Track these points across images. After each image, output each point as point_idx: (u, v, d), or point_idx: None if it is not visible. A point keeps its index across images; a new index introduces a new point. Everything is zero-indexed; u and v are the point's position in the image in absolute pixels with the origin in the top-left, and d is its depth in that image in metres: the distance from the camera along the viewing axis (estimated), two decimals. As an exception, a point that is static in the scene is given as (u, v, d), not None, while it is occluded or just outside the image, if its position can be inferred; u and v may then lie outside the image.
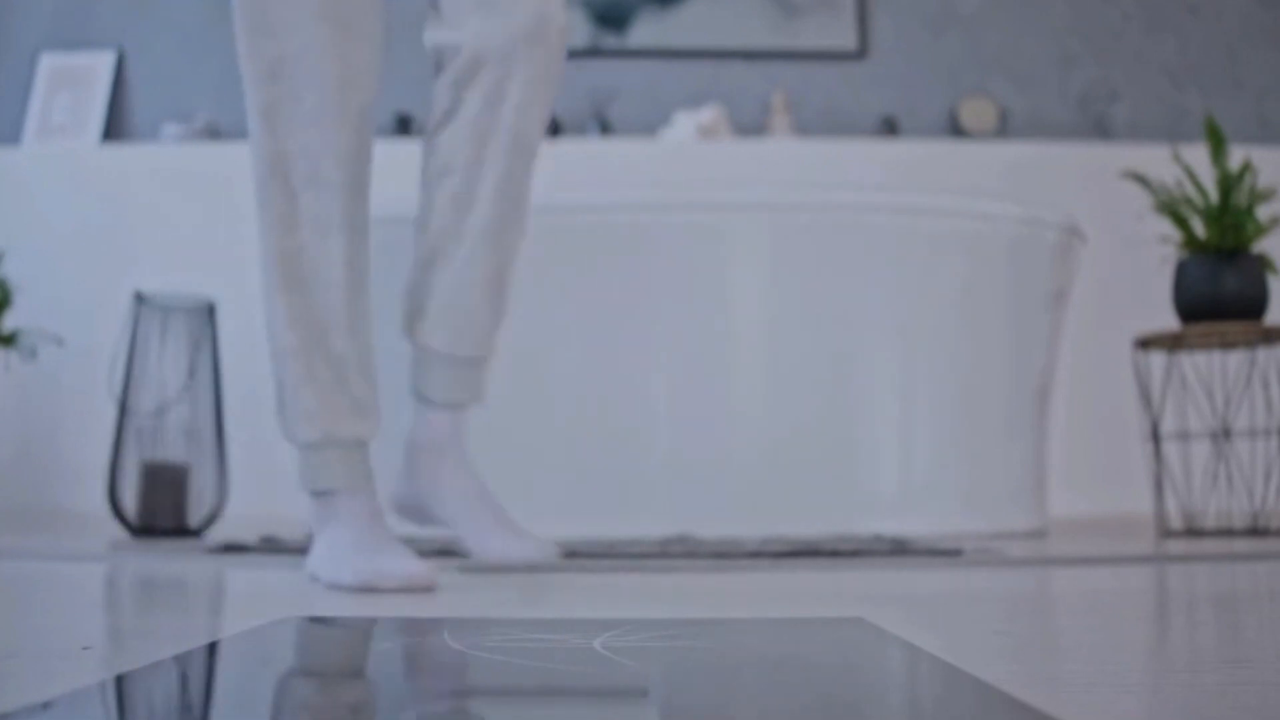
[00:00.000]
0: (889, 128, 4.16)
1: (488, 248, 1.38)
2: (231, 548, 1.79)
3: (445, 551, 1.74)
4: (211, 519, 2.38)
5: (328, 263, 1.30)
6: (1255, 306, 2.31)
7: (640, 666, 0.61)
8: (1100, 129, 4.25)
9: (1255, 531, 2.23)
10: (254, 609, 1.03)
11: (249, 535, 2.29)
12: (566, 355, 2.27)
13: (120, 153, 3.94)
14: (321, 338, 1.31)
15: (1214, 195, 2.35)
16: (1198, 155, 3.01)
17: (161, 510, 2.31)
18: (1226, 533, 2.25)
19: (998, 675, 0.63)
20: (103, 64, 4.19)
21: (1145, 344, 2.44)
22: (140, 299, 2.39)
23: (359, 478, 1.34)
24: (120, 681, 0.55)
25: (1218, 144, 2.37)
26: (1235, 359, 3.27)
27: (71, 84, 4.16)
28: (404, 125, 4.10)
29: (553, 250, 2.26)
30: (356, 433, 1.33)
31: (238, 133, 4.22)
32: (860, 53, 4.27)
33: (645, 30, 4.24)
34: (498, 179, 1.37)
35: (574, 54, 4.13)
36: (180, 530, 2.31)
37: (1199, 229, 2.40)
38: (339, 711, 0.47)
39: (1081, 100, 4.29)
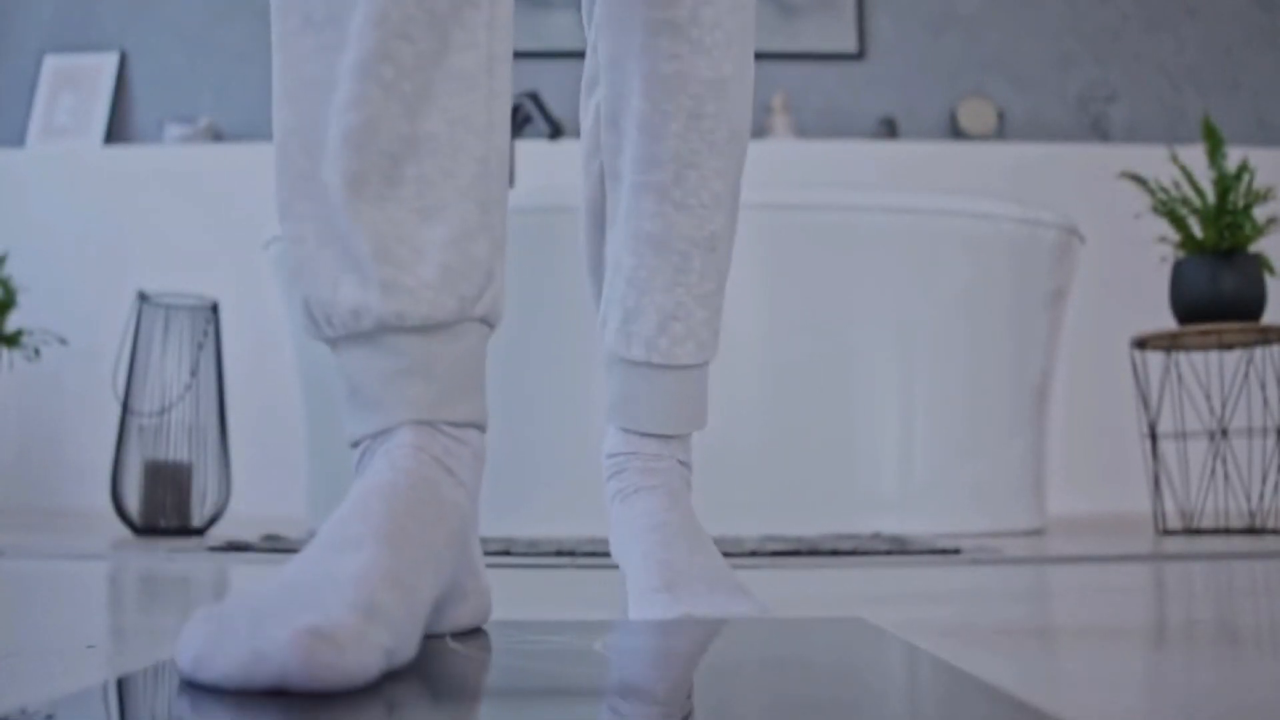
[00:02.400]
0: (888, 129, 4.16)
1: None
2: (234, 547, 1.79)
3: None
4: (214, 518, 2.39)
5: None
6: (1253, 307, 2.31)
7: (640, 666, 0.61)
8: (1098, 130, 4.26)
9: (1252, 530, 2.23)
10: (257, 609, 1.03)
11: (252, 534, 2.29)
12: (566, 355, 2.27)
13: (123, 154, 3.95)
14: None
15: (1211, 196, 2.35)
16: (1195, 156, 3.01)
17: (164, 509, 2.32)
18: (1223, 531, 2.26)
19: (998, 675, 0.63)
20: (105, 66, 4.19)
21: (1143, 344, 2.44)
22: (143, 298, 2.40)
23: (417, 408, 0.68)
24: (123, 681, 0.55)
25: (1215, 145, 2.37)
26: (1232, 359, 3.27)
27: (74, 86, 4.17)
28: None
29: (554, 250, 2.27)
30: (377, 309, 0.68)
31: (240, 134, 4.22)
32: (859, 53, 4.28)
33: (645, 31, 4.24)
34: None
35: (574, 55, 4.14)
36: (183, 529, 2.32)
37: (1197, 229, 2.41)
38: (340, 711, 0.48)
39: (1080, 101, 4.29)
